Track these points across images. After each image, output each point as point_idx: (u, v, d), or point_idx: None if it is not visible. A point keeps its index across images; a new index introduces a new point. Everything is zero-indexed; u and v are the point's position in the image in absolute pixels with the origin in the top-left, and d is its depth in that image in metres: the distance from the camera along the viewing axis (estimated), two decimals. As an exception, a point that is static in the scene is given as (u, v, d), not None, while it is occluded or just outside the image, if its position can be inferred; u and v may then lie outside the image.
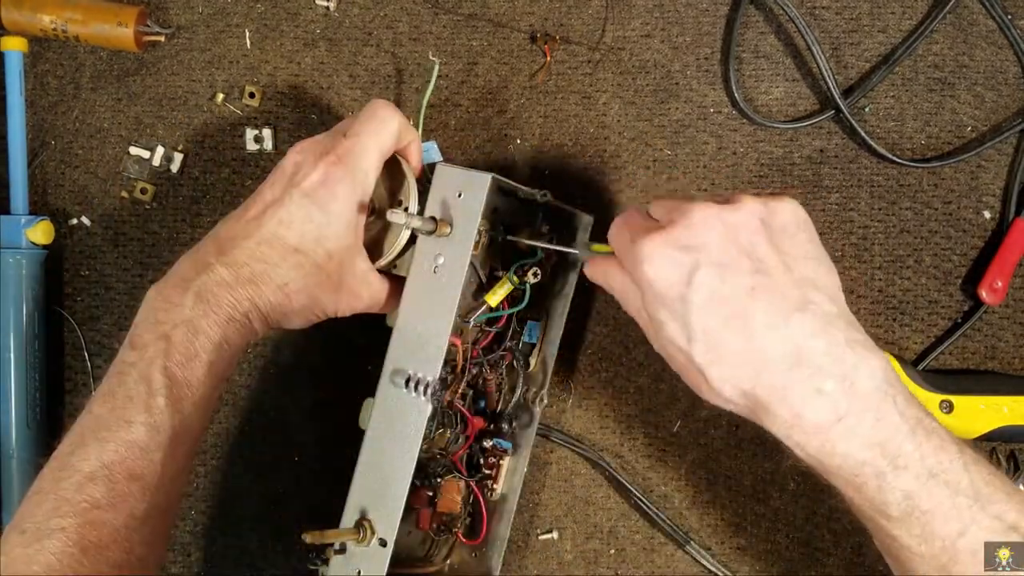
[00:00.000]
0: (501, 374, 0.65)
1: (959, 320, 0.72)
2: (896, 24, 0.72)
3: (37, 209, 0.71)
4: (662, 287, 0.49)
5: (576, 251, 0.62)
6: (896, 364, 0.68)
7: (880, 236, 0.72)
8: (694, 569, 0.71)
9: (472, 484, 0.64)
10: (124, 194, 0.71)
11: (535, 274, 0.61)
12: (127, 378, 0.53)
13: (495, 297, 0.61)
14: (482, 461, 0.65)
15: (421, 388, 0.56)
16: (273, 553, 0.71)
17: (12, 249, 0.68)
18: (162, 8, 0.71)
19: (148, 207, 0.72)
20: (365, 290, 0.60)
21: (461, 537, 0.65)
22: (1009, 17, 0.71)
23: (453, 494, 0.63)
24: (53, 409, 0.71)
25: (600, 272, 0.57)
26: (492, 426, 0.65)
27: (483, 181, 0.56)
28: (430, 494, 0.62)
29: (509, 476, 0.66)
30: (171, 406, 0.52)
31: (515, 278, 0.61)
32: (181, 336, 0.53)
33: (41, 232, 0.68)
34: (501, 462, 0.66)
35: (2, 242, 0.68)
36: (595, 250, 0.59)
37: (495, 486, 0.66)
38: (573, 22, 0.71)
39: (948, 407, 0.68)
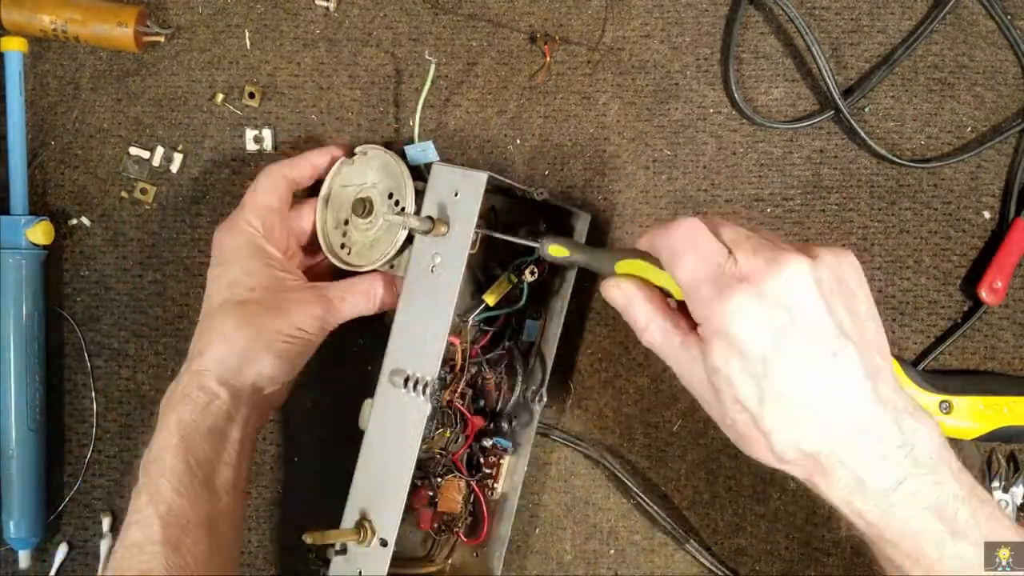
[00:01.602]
0: (500, 373, 0.65)
1: (959, 320, 0.71)
2: (896, 24, 0.72)
3: (37, 209, 0.71)
4: (746, 347, 0.47)
5: (536, 245, 0.58)
6: (896, 364, 0.68)
7: (880, 236, 0.72)
8: (694, 569, 0.71)
9: (473, 483, 0.64)
10: (124, 194, 0.71)
11: (532, 272, 0.61)
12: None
13: (493, 296, 0.61)
14: (482, 460, 0.65)
15: (420, 388, 0.56)
16: (273, 553, 0.71)
17: (12, 249, 0.68)
18: (162, 8, 0.71)
19: (148, 207, 0.72)
20: (308, 297, 0.61)
21: (462, 537, 0.65)
22: (1009, 17, 0.71)
23: (454, 494, 0.63)
24: (53, 410, 0.71)
25: (623, 298, 0.53)
26: (492, 425, 0.66)
27: (479, 180, 0.56)
28: (430, 494, 0.62)
29: (509, 475, 0.66)
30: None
31: (513, 277, 0.61)
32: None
33: (41, 232, 0.68)
34: (501, 461, 0.66)
35: (2, 242, 0.68)
36: (619, 270, 0.55)
37: (496, 485, 0.66)
38: (573, 22, 0.71)
39: (947, 407, 0.68)
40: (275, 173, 0.64)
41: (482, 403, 0.65)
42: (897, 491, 0.47)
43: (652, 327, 0.52)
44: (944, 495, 0.47)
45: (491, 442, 0.65)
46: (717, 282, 0.48)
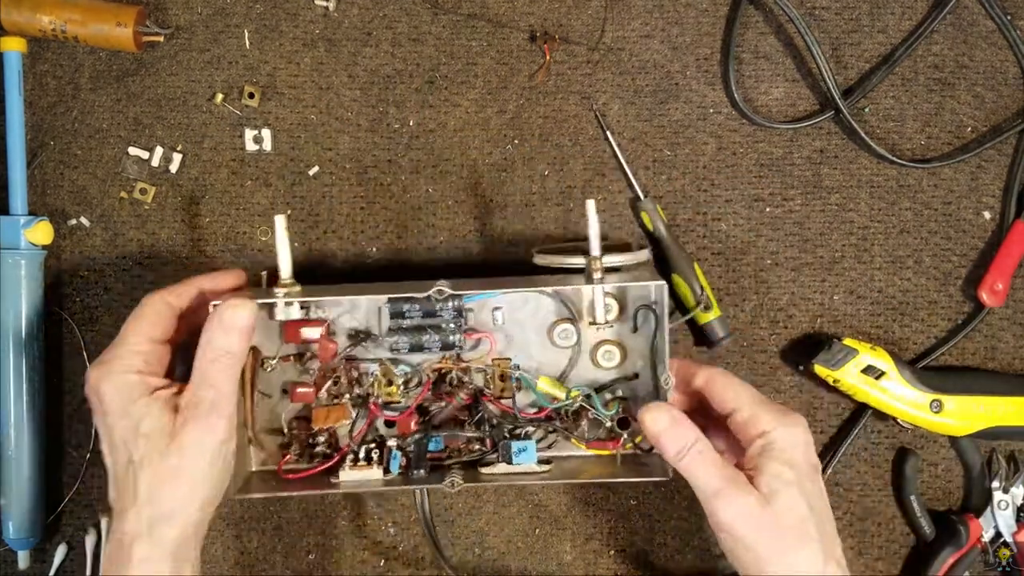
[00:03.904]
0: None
1: (959, 321, 0.71)
2: (896, 25, 0.72)
3: (36, 209, 0.71)
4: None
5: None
6: (890, 360, 0.68)
7: (880, 236, 0.72)
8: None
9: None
10: (123, 194, 0.71)
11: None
12: None
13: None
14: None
15: None
16: (273, 553, 0.71)
17: (11, 250, 0.68)
18: (161, 8, 0.71)
19: (147, 208, 0.71)
20: (192, 439, 0.57)
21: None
22: (1009, 17, 0.71)
23: None
24: (53, 410, 0.71)
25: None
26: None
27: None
28: None
29: None
30: None
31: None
32: None
33: (40, 233, 0.68)
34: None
35: (1, 242, 0.68)
36: None
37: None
38: (573, 22, 0.71)
39: (938, 406, 0.68)
40: (159, 301, 0.61)
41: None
42: None
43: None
44: None
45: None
46: (722, 489, 0.58)
